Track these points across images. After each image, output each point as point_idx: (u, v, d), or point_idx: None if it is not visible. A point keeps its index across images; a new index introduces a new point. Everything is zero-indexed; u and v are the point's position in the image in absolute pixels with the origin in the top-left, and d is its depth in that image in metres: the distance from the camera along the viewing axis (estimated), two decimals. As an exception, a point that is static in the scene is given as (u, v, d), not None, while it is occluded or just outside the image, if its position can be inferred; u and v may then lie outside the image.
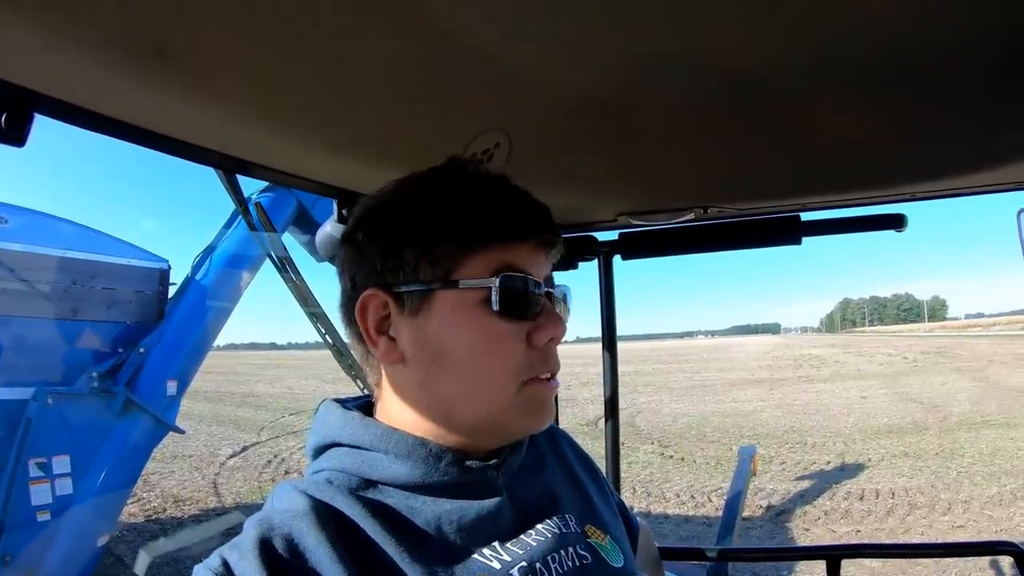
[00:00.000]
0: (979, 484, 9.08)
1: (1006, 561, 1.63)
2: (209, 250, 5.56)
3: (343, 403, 0.85)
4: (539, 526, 0.81)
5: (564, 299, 0.88)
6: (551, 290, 0.82)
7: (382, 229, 0.79)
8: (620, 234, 1.84)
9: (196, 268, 5.50)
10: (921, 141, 1.28)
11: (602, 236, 1.87)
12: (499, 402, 0.77)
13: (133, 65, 0.76)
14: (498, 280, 0.74)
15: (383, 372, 0.83)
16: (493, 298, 0.75)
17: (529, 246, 0.79)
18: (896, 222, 1.59)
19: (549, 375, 0.80)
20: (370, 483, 0.76)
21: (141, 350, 5.02)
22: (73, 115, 0.83)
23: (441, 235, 0.76)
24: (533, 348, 0.78)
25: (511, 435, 0.82)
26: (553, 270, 1.84)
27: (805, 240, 1.67)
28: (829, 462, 11.01)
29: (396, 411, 0.81)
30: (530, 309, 0.78)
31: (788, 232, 1.67)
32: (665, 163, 1.40)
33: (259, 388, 28.87)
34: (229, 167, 1.12)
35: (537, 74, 0.99)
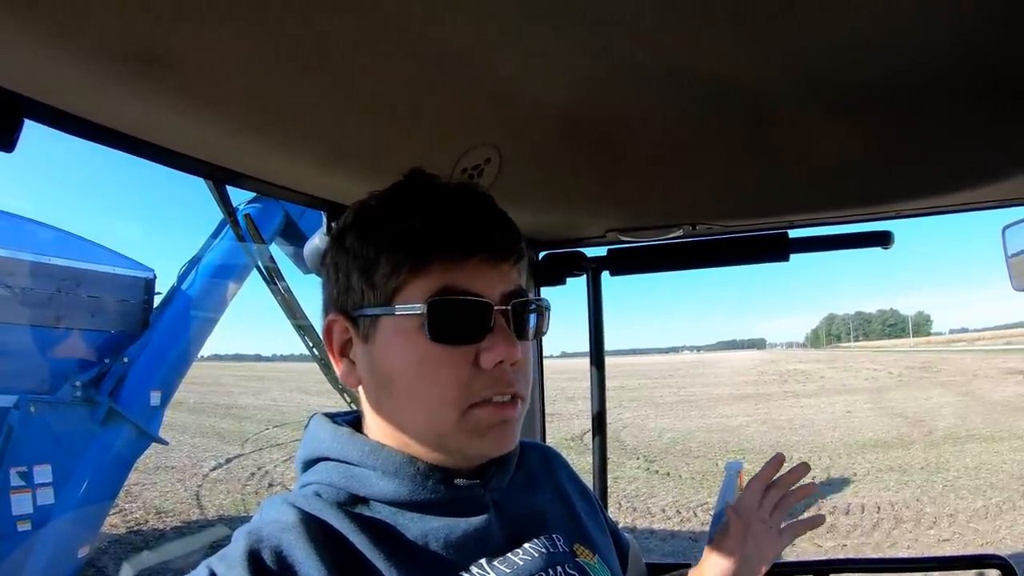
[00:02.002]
0: (964, 498, 9.15)
1: (993, 574, 1.64)
2: (195, 260, 5.51)
3: (333, 418, 0.84)
4: (527, 545, 0.80)
5: (538, 314, 0.82)
6: (507, 307, 0.76)
7: (338, 254, 0.79)
8: (609, 250, 1.84)
9: (182, 278, 5.44)
10: (907, 159, 1.30)
11: (591, 252, 1.87)
12: (442, 426, 0.74)
13: (126, 73, 0.76)
14: (426, 306, 0.72)
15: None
16: (424, 324, 0.72)
17: (475, 263, 0.74)
18: (883, 239, 1.61)
19: (506, 398, 0.75)
20: (358, 498, 0.75)
21: (125, 359, 4.97)
22: (64, 122, 0.82)
23: (380, 261, 0.74)
24: (481, 371, 0.74)
25: (468, 458, 0.79)
26: (540, 285, 1.83)
27: (792, 256, 1.69)
28: (815, 477, 11.02)
29: (375, 428, 0.80)
30: (473, 331, 0.74)
31: (776, 249, 1.68)
32: (654, 180, 1.41)
33: (243, 400, 28.57)
34: (219, 178, 1.11)
35: (528, 90, 1.00)
